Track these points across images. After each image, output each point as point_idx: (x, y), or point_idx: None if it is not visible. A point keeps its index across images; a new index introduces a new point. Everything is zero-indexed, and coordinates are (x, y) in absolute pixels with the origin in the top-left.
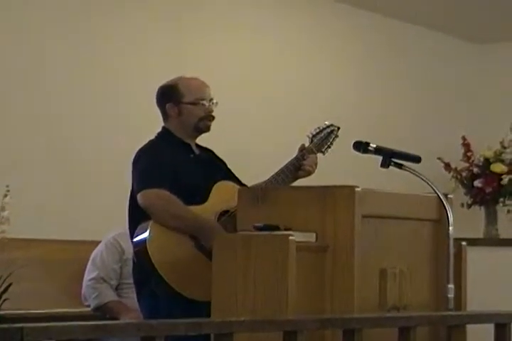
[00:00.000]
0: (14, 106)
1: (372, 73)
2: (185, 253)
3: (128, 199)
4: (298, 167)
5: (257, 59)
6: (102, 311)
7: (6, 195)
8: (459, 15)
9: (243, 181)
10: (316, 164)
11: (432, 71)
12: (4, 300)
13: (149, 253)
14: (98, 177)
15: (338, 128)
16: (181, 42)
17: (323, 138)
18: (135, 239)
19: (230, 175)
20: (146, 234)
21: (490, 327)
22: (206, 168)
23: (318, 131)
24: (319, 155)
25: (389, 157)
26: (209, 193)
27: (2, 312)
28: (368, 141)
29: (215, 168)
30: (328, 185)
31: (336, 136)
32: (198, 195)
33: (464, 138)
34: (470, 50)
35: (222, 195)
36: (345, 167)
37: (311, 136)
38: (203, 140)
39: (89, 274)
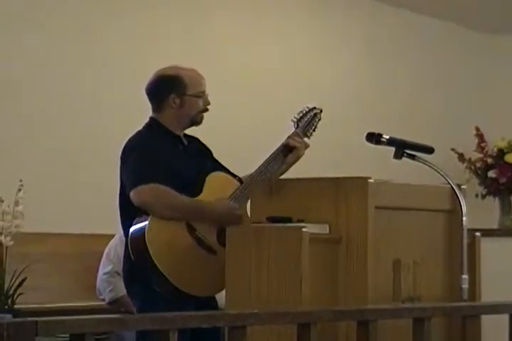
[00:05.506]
0: (27, 102)
1: (383, 66)
2: (183, 245)
3: (118, 195)
4: (286, 153)
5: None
6: (117, 305)
7: (19, 190)
8: (472, 6)
9: (233, 168)
10: (304, 147)
11: (445, 62)
12: (19, 294)
13: (146, 241)
14: (112, 171)
15: (321, 110)
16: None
17: (308, 122)
18: (132, 228)
19: (217, 165)
20: (144, 223)
21: (504, 318)
22: (196, 159)
23: (301, 114)
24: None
25: (402, 148)
26: (202, 185)
27: (17, 307)
28: (381, 132)
29: (204, 159)
30: (341, 176)
31: (320, 119)
32: (190, 187)
33: (477, 129)
34: (483, 41)
35: (215, 187)
36: (358, 158)
37: (295, 120)
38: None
39: (103, 268)
